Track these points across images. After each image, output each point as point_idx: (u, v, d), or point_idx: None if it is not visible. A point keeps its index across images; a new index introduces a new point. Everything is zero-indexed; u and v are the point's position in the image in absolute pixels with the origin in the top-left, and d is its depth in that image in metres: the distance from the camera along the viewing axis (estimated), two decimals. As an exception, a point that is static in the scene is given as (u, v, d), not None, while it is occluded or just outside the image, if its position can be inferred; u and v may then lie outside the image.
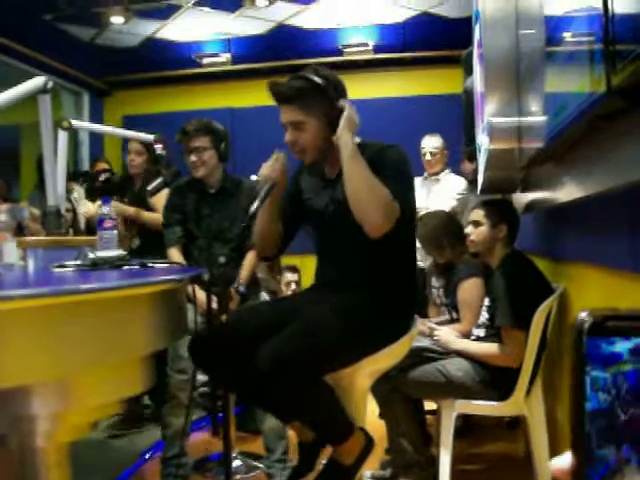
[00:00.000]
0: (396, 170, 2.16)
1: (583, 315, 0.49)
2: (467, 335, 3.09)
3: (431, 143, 4.75)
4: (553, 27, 1.98)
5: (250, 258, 3.15)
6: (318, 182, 2.33)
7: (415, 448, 2.95)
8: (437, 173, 4.75)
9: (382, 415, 3.03)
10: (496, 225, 3.01)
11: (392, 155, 2.20)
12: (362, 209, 2.05)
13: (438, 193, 4.63)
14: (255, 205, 2.10)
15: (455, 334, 3.00)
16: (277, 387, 1.96)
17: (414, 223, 2.34)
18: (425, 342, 2.91)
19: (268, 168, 2.17)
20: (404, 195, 2.13)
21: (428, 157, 4.72)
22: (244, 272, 3.16)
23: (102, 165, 4.49)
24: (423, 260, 4.27)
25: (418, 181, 4.72)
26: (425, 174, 4.82)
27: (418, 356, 2.85)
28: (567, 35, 1.77)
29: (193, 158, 3.19)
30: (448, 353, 2.91)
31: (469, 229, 3.10)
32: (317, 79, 2.17)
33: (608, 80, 1.23)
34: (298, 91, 2.15)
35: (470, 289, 3.24)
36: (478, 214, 3.08)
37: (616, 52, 1.21)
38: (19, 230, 2.80)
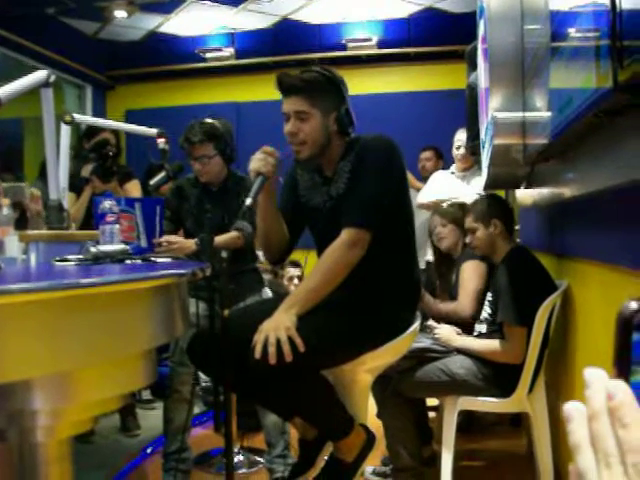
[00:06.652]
0: (377, 171, 2.14)
1: (633, 305, 0.46)
2: (458, 316, 3.13)
3: (465, 137, 4.49)
4: (558, 22, 1.97)
5: (230, 234, 3.09)
6: (315, 179, 2.32)
7: (409, 453, 2.94)
8: (467, 169, 4.61)
9: (379, 416, 3.03)
10: (488, 224, 3.00)
11: (374, 153, 2.17)
12: (343, 274, 2.07)
13: (464, 190, 4.47)
14: (248, 201, 2.07)
15: (456, 330, 2.99)
16: (275, 384, 1.95)
17: (410, 217, 2.31)
18: (425, 342, 2.90)
19: (259, 161, 2.12)
20: (381, 197, 2.13)
21: (462, 151, 4.55)
22: (221, 238, 3.02)
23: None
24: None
25: (444, 175, 4.64)
26: (452, 168, 4.73)
27: (418, 357, 2.84)
28: (573, 31, 1.76)
29: (197, 166, 3.17)
30: (449, 352, 2.90)
31: (468, 238, 3.11)
32: (327, 74, 2.18)
33: (615, 76, 1.22)
34: (307, 83, 2.15)
35: (468, 270, 3.25)
36: (468, 222, 3.09)
37: (623, 48, 1.20)
38: (19, 209, 2.78)
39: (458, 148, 4.59)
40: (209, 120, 3.20)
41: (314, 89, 2.15)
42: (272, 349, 1.85)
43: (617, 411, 0.45)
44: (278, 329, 1.89)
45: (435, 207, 4.37)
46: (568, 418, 0.48)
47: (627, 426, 0.45)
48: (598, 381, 0.47)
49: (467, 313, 3.15)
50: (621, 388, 0.46)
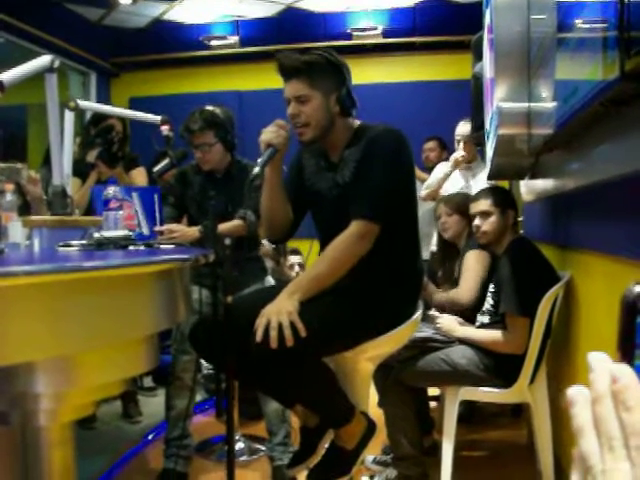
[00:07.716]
0: (386, 162, 2.13)
1: (638, 289, 0.46)
2: (456, 303, 3.13)
3: (466, 130, 4.44)
4: (565, 13, 1.97)
5: (234, 222, 3.10)
6: (321, 164, 2.31)
7: (410, 442, 2.94)
8: (470, 161, 4.55)
9: (381, 405, 3.03)
10: (505, 212, 3.00)
11: (383, 145, 2.16)
12: (349, 264, 2.07)
13: (470, 182, 4.46)
14: (256, 169, 2.08)
15: (458, 321, 2.99)
16: (276, 370, 1.96)
17: (415, 208, 2.31)
18: (427, 332, 2.90)
19: (271, 133, 2.12)
20: (389, 190, 2.12)
21: (462, 146, 4.49)
22: (224, 226, 3.03)
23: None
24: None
25: (448, 166, 4.60)
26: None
27: (420, 347, 2.84)
28: (579, 21, 1.76)
29: (199, 155, 3.16)
30: (451, 342, 2.90)
31: (477, 221, 3.06)
32: (327, 55, 2.17)
33: (622, 65, 1.22)
34: (307, 64, 2.14)
35: (471, 258, 3.24)
36: (486, 204, 3.04)
37: (630, 38, 1.20)
38: (19, 191, 2.78)
39: (458, 142, 4.55)
40: (209, 108, 3.18)
41: (314, 70, 2.14)
42: (274, 333, 1.86)
43: (621, 394, 0.45)
44: (280, 313, 1.90)
45: (437, 196, 4.37)
46: (571, 402, 0.48)
47: (631, 409, 0.45)
48: (602, 365, 0.47)
49: (465, 301, 3.14)
50: (625, 371, 0.46)
